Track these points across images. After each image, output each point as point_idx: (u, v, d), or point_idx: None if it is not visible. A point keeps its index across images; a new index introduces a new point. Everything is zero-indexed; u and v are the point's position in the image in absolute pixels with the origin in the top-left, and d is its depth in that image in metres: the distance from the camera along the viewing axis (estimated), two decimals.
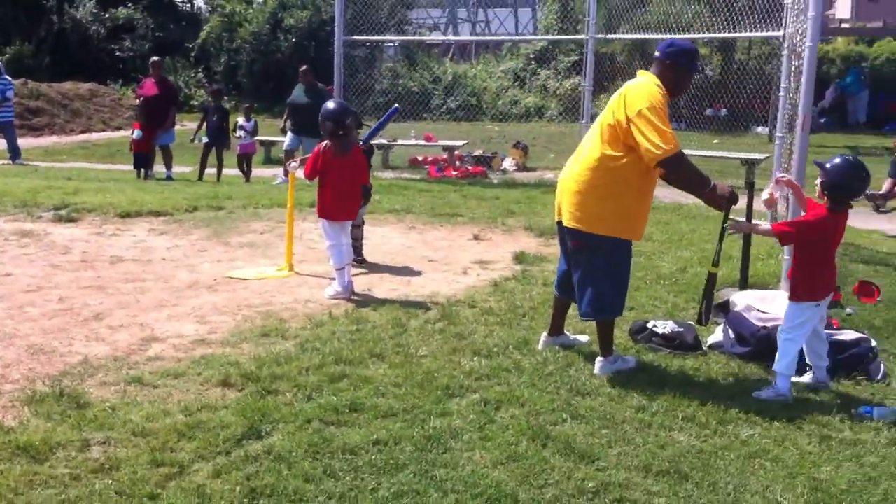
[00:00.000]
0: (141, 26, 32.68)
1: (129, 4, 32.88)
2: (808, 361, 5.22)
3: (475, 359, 5.44)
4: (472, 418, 4.54)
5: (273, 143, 18.15)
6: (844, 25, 21.18)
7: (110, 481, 3.79)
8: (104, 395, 4.73)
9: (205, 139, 14.84)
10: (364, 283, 7.33)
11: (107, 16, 32.46)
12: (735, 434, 4.47)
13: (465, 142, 17.66)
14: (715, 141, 16.72)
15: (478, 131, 21.20)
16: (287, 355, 5.39)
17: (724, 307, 6.14)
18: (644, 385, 5.06)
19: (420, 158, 16.77)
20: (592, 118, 13.37)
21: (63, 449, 4.07)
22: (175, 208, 10.19)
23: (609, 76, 18.55)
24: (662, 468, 4.05)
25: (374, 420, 4.50)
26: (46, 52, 30.22)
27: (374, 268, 7.94)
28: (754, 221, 5.41)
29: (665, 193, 9.05)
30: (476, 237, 9.23)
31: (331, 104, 7.33)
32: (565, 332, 5.82)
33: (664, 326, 5.86)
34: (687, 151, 5.22)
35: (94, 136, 23.04)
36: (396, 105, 8.70)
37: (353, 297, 6.90)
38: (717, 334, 5.89)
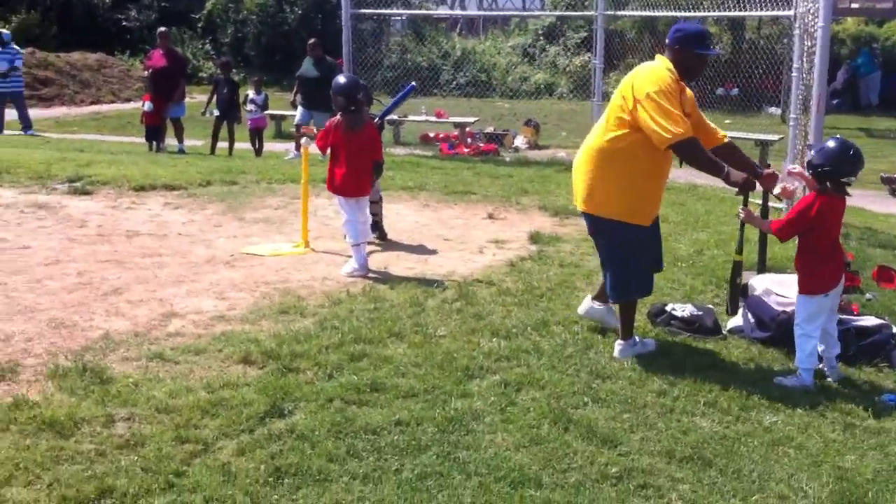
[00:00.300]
0: None
1: None
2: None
3: (494, 339, 5.45)
4: (492, 400, 4.56)
5: (283, 117, 18.07)
6: (854, 5, 21.03)
7: (136, 457, 3.82)
8: (126, 371, 4.75)
9: (215, 112, 14.80)
10: (380, 261, 7.33)
11: None
12: (758, 420, 4.48)
13: (477, 119, 17.58)
14: (727, 121, 16.60)
15: (488, 108, 21.11)
16: (307, 333, 5.40)
17: (743, 291, 6.13)
18: (665, 369, 5.06)
19: (431, 135, 16.72)
20: (604, 96, 13.36)
21: (88, 424, 4.09)
22: (189, 182, 10.18)
23: (619, 53, 18.46)
24: (686, 454, 4.06)
25: (396, 400, 4.51)
26: (52, 22, 30.06)
27: (390, 245, 7.93)
28: (761, 216, 5.32)
29: (679, 174, 9.04)
30: (490, 216, 9.21)
31: (342, 78, 7.27)
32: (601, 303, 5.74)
33: (683, 310, 5.85)
34: None
35: (104, 107, 22.98)
36: (413, 83, 8.61)
37: (369, 274, 6.90)
38: (736, 318, 5.87)
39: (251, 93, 15.42)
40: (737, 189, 5.20)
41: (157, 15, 31.07)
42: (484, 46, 28.18)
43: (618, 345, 5.32)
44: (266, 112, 15.88)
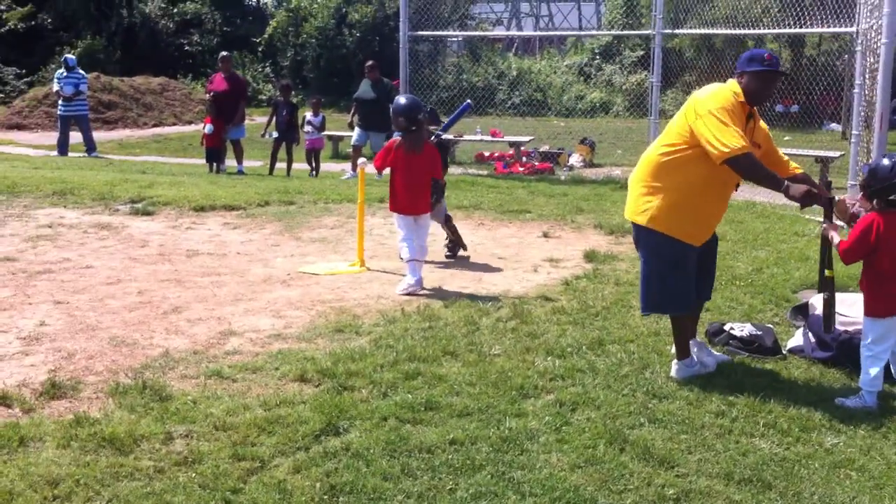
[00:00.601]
0: (208, 21, 33.20)
1: None
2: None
3: (549, 358, 5.42)
4: (547, 420, 4.53)
5: (340, 137, 18.27)
6: None
7: (193, 474, 3.86)
8: (185, 388, 4.81)
9: (275, 134, 15.00)
10: (435, 279, 7.35)
11: (175, 10, 33.03)
12: (819, 442, 4.38)
13: (531, 138, 17.58)
14: (787, 138, 16.38)
15: (543, 127, 21.08)
16: (361, 352, 5.42)
17: (804, 310, 6.02)
18: (723, 389, 4.99)
19: (486, 154, 16.75)
20: (660, 114, 13.29)
21: (147, 441, 4.15)
22: (247, 202, 10.33)
23: (676, 72, 18.31)
24: (745, 476, 3.99)
25: (450, 419, 4.50)
26: (117, 47, 30.82)
27: (445, 264, 7.95)
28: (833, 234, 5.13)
29: (738, 192, 8.91)
30: (545, 234, 9.19)
31: (402, 99, 7.36)
32: (702, 339, 5.67)
33: (742, 329, 5.76)
34: None
35: (166, 129, 23.45)
36: (469, 101, 8.66)
37: (421, 291, 6.92)
38: (796, 338, 5.77)
39: (309, 114, 15.61)
40: (799, 204, 5.10)
41: (218, 39, 31.76)
42: (540, 66, 28.23)
43: (674, 364, 5.25)
44: (323, 133, 16.05)
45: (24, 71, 29.51)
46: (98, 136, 18.98)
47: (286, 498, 3.70)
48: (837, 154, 13.99)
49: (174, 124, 24.41)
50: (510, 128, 19.29)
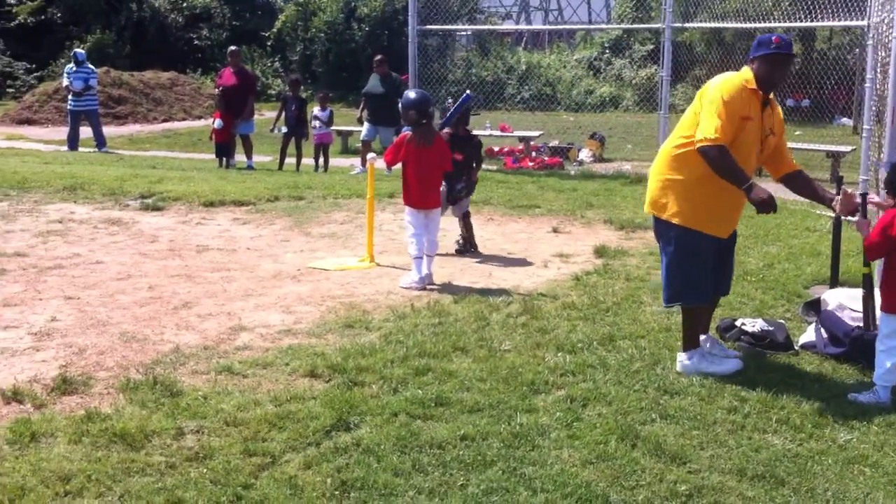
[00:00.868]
0: (217, 15, 33.23)
1: None
2: None
3: (559, 354, 5.40)
4: (558, 415, 4.51)
5: (350, 132, 18.25)
6: None
7: (205, 470, 3.85)
8: (196, 384, 4.81)
9: (284, 129, 14.99)
10: (445, 275, 7.34)
11: (184, 4, 33.05)
12: (832, 438, 4.36)
13: (541, 132, 17.55)
14: (797, 132, 16.32)
15: (553, 121, 21.05)
16: (372, 347, 5.42)
17: (816, 306, 5.99)
18: (735, 385, 4.96)
19: (496, 149, 16.72)
20: (670, 108, 13.23)
21: (158, 437, 4.14)
22: (257, 198, 10.34)
23: (686, 66, 18.26)
24: (757, 472, 3.97)
25: (461, 415, 4.49)
26: (126, 41, 30.87)
27: (455, 260, 7.94)
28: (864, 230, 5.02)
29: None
30: (555, 230, 9.17)
31: (412, 94, 7.36)
32: (710, 333, 5.63)
33: (753, 325, 5.74)
34: None
35: (176, 124, 23.49)
36: (468, 92, 8.54)
37: (428, 287, 6.91)
38: (808, 334, 5.75)
39: (316, 109, 15.59)
40: (756, 208, 4.98)
41: (227, 34, 31.76)
42: (549, 60, 28.17)
43: (679, 357, 5.21)
44: (332, 128, 16.02)
45: (33, 66, 29.61)
46: (108, 131, 19.01)
47: (297, 493, 3.70)
48: (849, 149, 13.93)
49: (184, 119, 24.46)
50: (519, 122, 19.25)
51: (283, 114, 14.99)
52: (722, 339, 5.78)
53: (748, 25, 14.66)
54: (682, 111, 5.32)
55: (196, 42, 32.39)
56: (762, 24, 15.26)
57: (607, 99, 24.37)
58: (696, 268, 5.17)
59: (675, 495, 3.77)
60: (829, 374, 5.28)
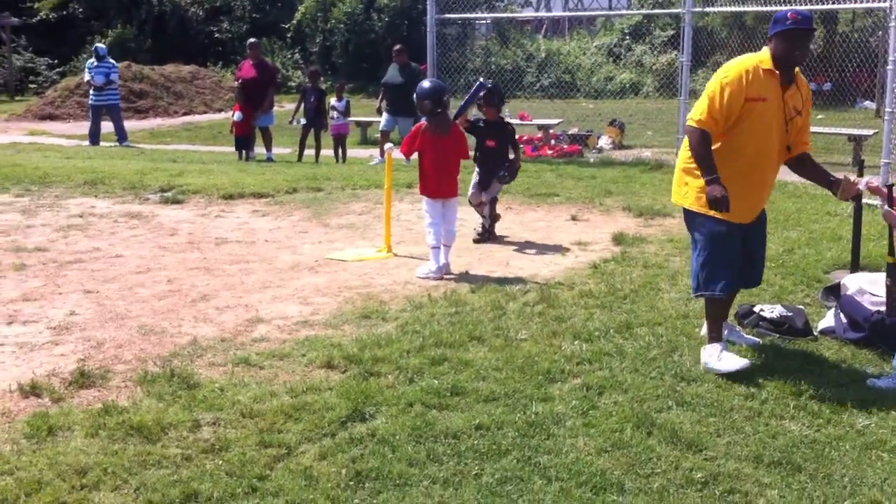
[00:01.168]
0: (238, 8, 33.31)
1: None
2: None
3: (576, 343, 5.38)
4: (574, 404, 4.50)
5: (369, 123, 18.27)
6: None
7: (220, 462, 3.87)
8: (213, 376, 4.84)
9: (303, 121, 15.01)
10: (462, 264, 7.33)
11: None
12: (850, 423, 4.32)
13: (560, 120, 17.48)
14: (819, 116, 16.17)
15: (572, 109, 20.95)
16: (388, 337, 5.42)
17: (835, 291, 5.94)
18: (752, 371, 4.92)
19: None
20: (691, 94, 13.12)
21: (174, 429, 4.17)
22: (276, 190, 10.37)
23: (707, 51, 18.12)
24: (774, 459, 3.94)
25: (476, 404, 4.49)
26: (147, 35, 31.03)
27: (472, 249, 7.93)
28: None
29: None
30: (573, 218, 9.14)
31: (426, 83, 7.35)
32: (731, 322, 5.58)
33: (772, 311, 5.69)
34: None
35: (197, 118, 23.60)
36: (481, 80, 8.47)
37: (446, 276, 6.91)
38: (827, 319, 5.70)
39: (333, 100, 15.58)
40: (708, 203, 4.89)
41: (248, 26, 31.85)
42: (569, 47, 28.04)
43: (703, 351, 5.10)
44: (350, 119, 16.01)
45: (56, 61, 29.84)
46: (129, 125, 19.12)
47: (312, 484, 3.71)
48: (871, 132, 13.78)
49: (204, 112, 24.56)
50: (539, 110, 19.18)
51: (303, 105, 15.01)
52: (740, 324, 5.74)
53: (769, 9, 14.47)
54: None
55: (217, 35, 32.50)
56: (784, 7, 15.11)
57: (627, 85, 24.22)
58: (719, 256, 5.04)
59: (690, 483, 3.76)
60: (847, 359, 5.23)
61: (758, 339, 5.47)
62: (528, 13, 34.28)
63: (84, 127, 18.45)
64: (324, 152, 15.15)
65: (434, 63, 14.25)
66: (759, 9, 14.64)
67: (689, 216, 5.15)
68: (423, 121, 7.27)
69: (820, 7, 13.43)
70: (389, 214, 7.87)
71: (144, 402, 4.46)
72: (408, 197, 9.97)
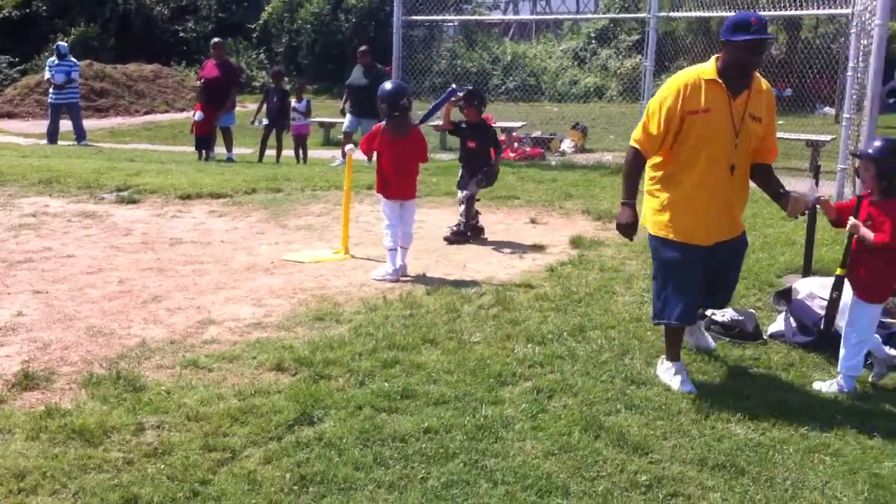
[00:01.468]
0: (203, 7, 33.04)
1: None
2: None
3: (528, 346, 5.39)
4: (524, 407, 4.50)
5: (332, 124, 18.19)
6: None
7: (163, 466, 3.82)
8: (160, 379, 4.78)
9: (265, 121, 14.91)
10: (419, 266, 7.31)
11: None
12: (794, 427, 4.35)
13: (524, 123, 17.50)
14: (779, 122, 16.31)
15: (536, 112, 20.99)
16: (340, 340, 5.39)
17: (787, 295, 5.99)
18: (701, 375, 4.96)
19: None
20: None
21: (118, 432, 4.11)
22: (234, 190, 10.28)
23: (671, 55, 18.25)
24: (718, 462, 3.97)
25: (426, 407, 4.48)
26: (111, 34, 30.70)
27: (429, 251, 7.91)
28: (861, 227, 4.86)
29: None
30: (533, 221, 9.15)
31: (387, 85, 7.34)
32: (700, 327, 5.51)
33: (723, 314, 5.73)
34: None
35: (158, 117, 23.37)
36: (453, 86, 8.57)
37: (402, 279, 6.89)
38: (778, 323, 5.74)
39: (293, 101, 15.47)
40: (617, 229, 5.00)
41: (213, 26, 31.59)
42: (535, 51, 28.11)
43: (660, 365, 5.02)
44: (311, 119, 15.92)
45: (17, 59, 29.40)
46: (89, 124, 18.90)
47: (255, 489, 3.67)
48: (829, 138, 13.92)
49: (166, 111, 24.35)
50: (503, 113, 19.18)
51: (265, 105, 14.92)
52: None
53: (734, 14, 14.61)
54: None
55: (182, 34, 32.21)
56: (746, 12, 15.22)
57: (592, 89, 24.33)
58: (675, 283, 4.82)
59: (635, 486, 3.77)
60: (795, 363, 5.27)
61: (714, 344, 5.47)
62: (496, 16, 34.32)
63: (43, 126, 18.22)
64: (285, 153, 15.05)
65: (399, 65, 14.21)
66: (725, 14, 14.76)
67: (650, 239, 5.00)
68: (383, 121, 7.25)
69: (784, 13, 13.58)
70: (348, 216, 7.84)
71: (88, 405, 4.40)
72: (368, 198, 9.92)
